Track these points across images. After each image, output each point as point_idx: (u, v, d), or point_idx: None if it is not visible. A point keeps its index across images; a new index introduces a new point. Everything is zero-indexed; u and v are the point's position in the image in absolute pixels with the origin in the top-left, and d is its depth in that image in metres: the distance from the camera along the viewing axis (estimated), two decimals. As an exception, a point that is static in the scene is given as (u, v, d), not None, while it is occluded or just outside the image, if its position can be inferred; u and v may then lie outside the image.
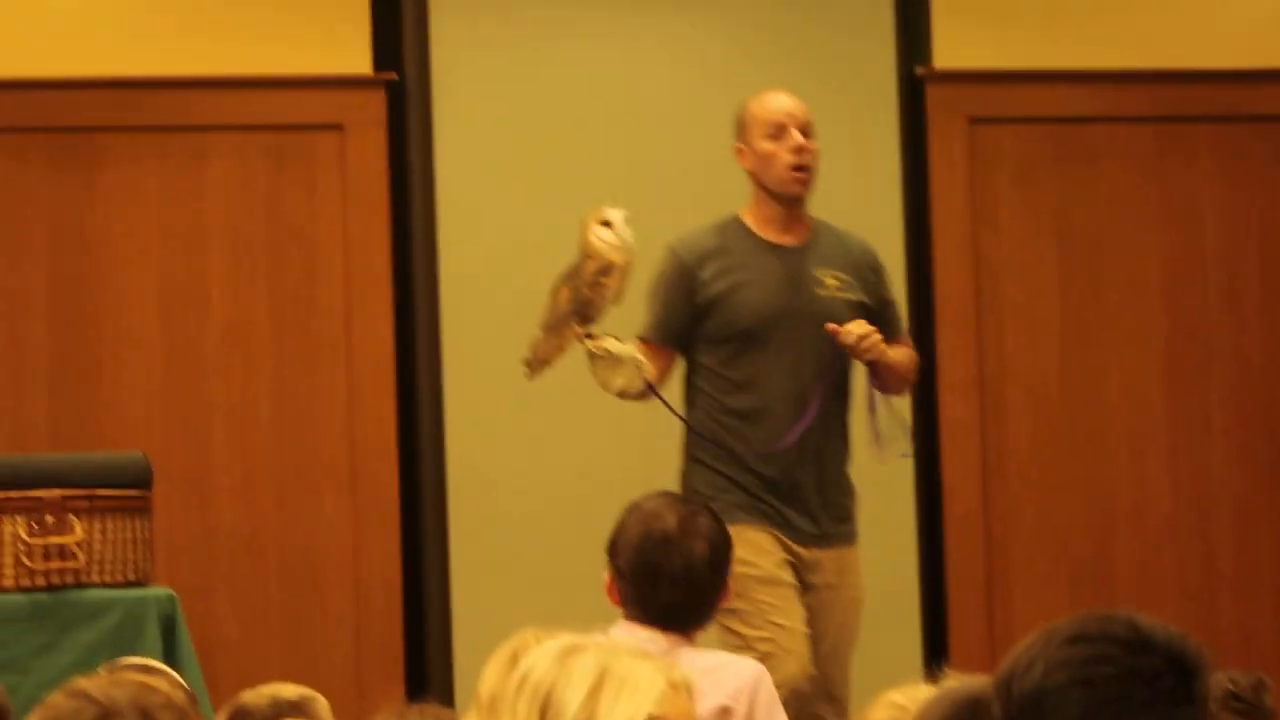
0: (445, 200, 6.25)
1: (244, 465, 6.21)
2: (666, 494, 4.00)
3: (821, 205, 5.66)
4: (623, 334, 4.78)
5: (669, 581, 3.83)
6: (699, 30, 6.40)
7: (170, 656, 4.82)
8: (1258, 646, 6.44)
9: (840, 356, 4.78)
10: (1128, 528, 6.45)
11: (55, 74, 6.19)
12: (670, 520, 3.87)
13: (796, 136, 4.84)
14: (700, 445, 4.89)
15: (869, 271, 4.96)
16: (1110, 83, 6.57)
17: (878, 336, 4.76)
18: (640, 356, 4.80)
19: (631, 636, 3.64)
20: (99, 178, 6.20)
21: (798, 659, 4.62)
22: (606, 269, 4.75)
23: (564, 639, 2.76)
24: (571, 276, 4.74)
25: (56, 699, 2.57)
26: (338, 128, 6.26)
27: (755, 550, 4.85)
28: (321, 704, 3.56)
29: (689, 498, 4.02)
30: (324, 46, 6.25)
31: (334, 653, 6.11)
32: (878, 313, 4.90)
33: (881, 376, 4.88)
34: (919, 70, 6.37)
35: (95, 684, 2.58)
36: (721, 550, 3.87)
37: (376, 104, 6.28)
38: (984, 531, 6.28)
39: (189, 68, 6.24)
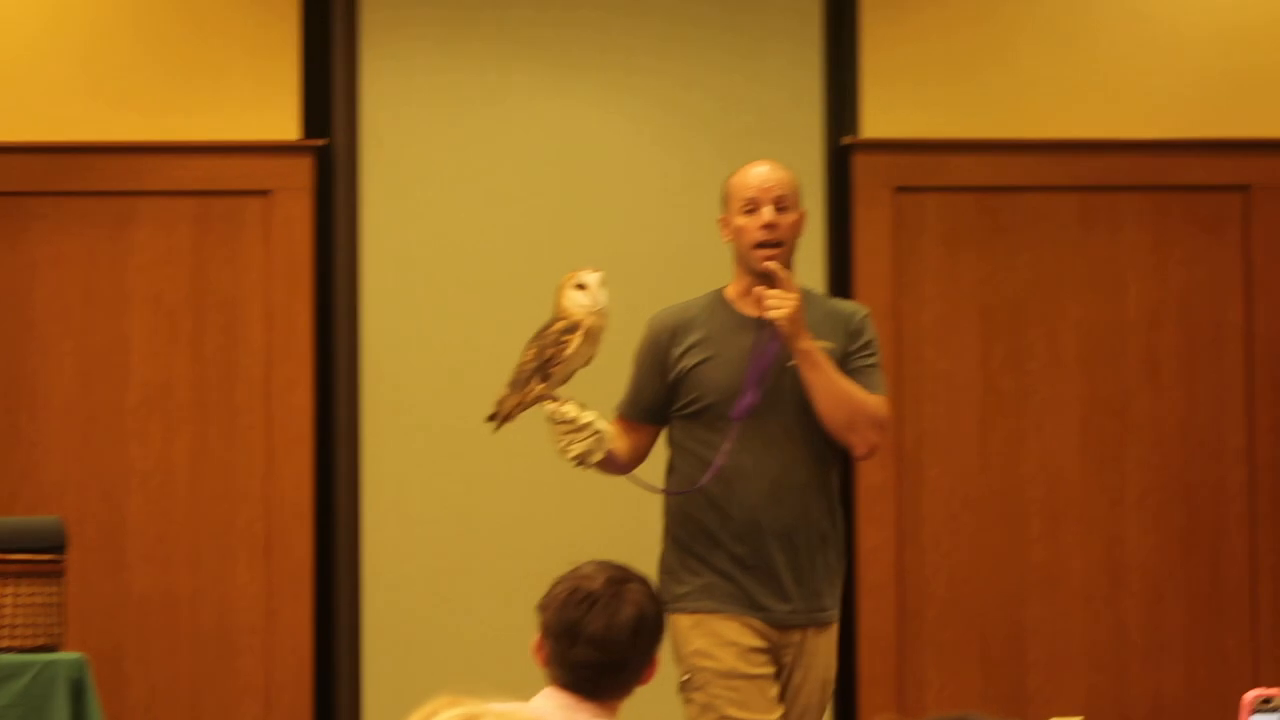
0: (369, 267, 6.30)
1: (160, 529, 6.23)
2: (607, 562, 3.98)
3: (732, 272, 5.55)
4: (592, 402, 4.75)
5: (586, 640, 3.80)
6: (630, 95, 6.48)
7: None
8: (1166, 713, 6.50)
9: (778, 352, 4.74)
10: (1040, 597, 6.49)
11: None
12: (599, 581, 3.86)
13: (765, 214, 4.83)
14: (676, 521, 4.86)
15: (847, 337, 4.91)
16: (1034, 152, 6.64)
17: (794, 305, 4.69)
18: (605, 427, 4.76)
19: (549, 703, 3.64)
20: (22, 242, 6.25)
21: None
22: (571, 328, 4.75)
23: (464, 709, 2.59)
24: (539, 335, 4.76)
25: None
26: (265, 193, 6.29)
27: (717, 642, 4.84)
28: None
29: (628, 569, 3.96)
30: (254, 112, 6.31)
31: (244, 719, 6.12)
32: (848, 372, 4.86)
33: (805, 376, 4.78)
34: (846, 139, 6.45)
35: None
36: (649, 622, 3.84)
37: (304, 169, 6.32)
38: (897, 599, 6.33)
39: (119, 134, 6.28)
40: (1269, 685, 3.88)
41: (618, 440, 4.85)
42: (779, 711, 4.81)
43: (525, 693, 3.70)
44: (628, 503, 5.91)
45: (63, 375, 6.22)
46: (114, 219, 6.24)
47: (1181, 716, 6.51)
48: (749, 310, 4.84)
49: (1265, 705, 3.50)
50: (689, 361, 4.87)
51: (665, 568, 4.86)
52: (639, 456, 4.91)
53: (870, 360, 4.90)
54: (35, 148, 6.22)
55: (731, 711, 4.80)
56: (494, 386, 6.16)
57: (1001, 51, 6.65)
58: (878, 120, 6.54)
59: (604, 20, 6.42)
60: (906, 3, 6.59)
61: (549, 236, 6.33)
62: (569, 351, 4.72)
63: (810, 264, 6.26)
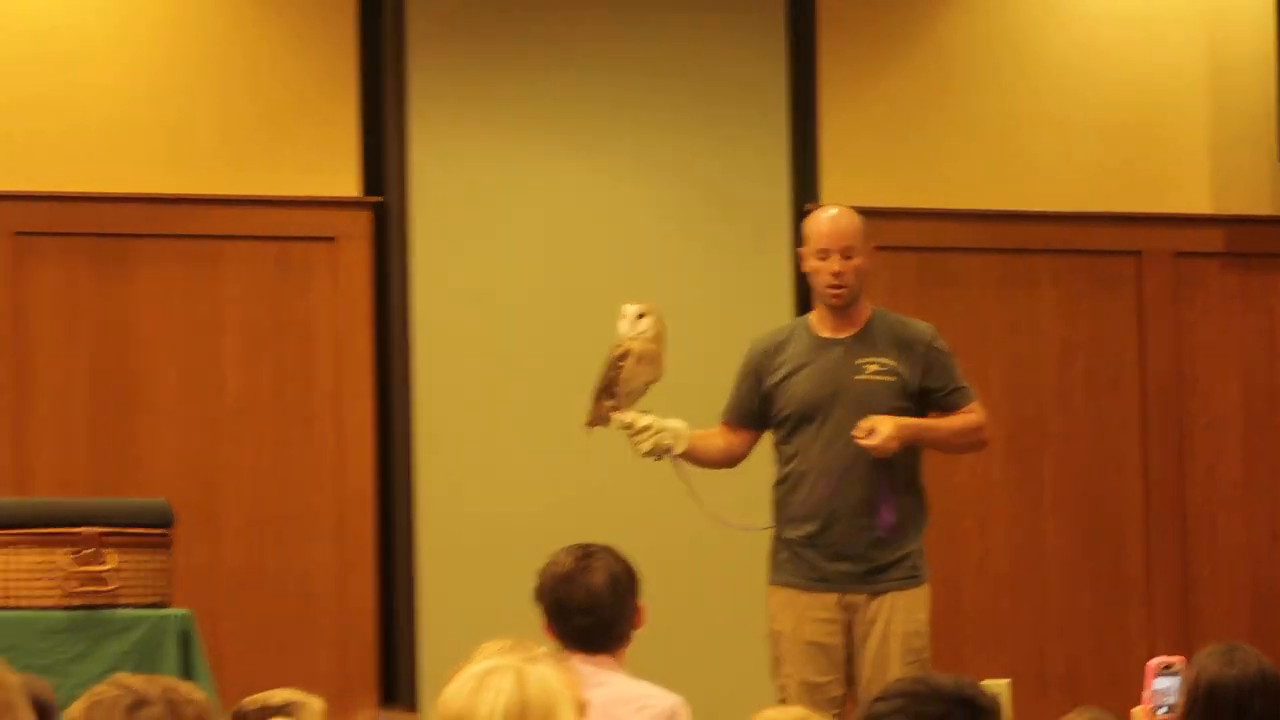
0: (419, 301, 6.73)
1: (249, 513, 6.66)
2: (574, 545, 4.15)
3: (720, 318, 5.98)
4: (658, 409, 5.04)
5: (575, 611, 3.97)
6: (635, 168, 6.84)
7: (186, 666, 5.08)
8: (1079, 678, 6.95)
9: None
10: (973, 584, 6.98)
11: (99, 189, 6.63)
12: (567, 562, 4.03)
13: (834, 263, 5.12)
14: (774, 511, 5.17)
15: (919, 355, 5.15)
16: (964, 220, 7.07)
17: (877, 443, 4.95)
18: (673, 426, 5.02)
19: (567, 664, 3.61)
20: (133, 276, 6.65)
21: (803, 705, 4.73)
22: (625, 354, 5.03)
23: (510, 640, 3.01)
24: (606, 359, 5.08)
25: (100, 688, 2.64)
26: (330, 239, 6.72)
27: (783, 608, 5.08)
28: (312, 707, 3.64)
29: (591, 545, 4.14)
30: (322, 173, 6.74)
31: (320, 668, 6.50)
32: (924, 390, 5.17)
33: (931, 445, 5.15)
34: (809, 206, 6.78)
35: (132, 679, 2.66)
36: (621, 580, 4.02)
37: (364, 221, 6.73)
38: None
39: (210, 188, 6.70)
40: (1165, 655, 3.89)
41: (706, 439, 5.13)
42: (839, 672, 5.03)
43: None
44: (647, 489, 6.24)
45: (168, 387, 6.64)
46: (207, 259, 6.69)
47: (1090, 680, 6.93)
48: (825, 332, 5.19)
49: (1167, 670, 3.69)
50: (777, 376, 5.16)
51: (772, 542, 5.20)
52: (734, 455, 5.21)
53: (956, 382, 5.18)
54: (143, 198, 6.66)
55: (788, 669, 5.03)
56: (523, 394, 6.48)
57: (937, 138, 7.11)
58: (835, 191, 6.88)
59: (611, 98, 6.84)
60: (858, 98, 7.02)
61: (569, 277, 6.79)
62: (624, 374, 5.00)
63: (782, 304, 6.72)
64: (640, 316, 5.05)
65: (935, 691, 2.37)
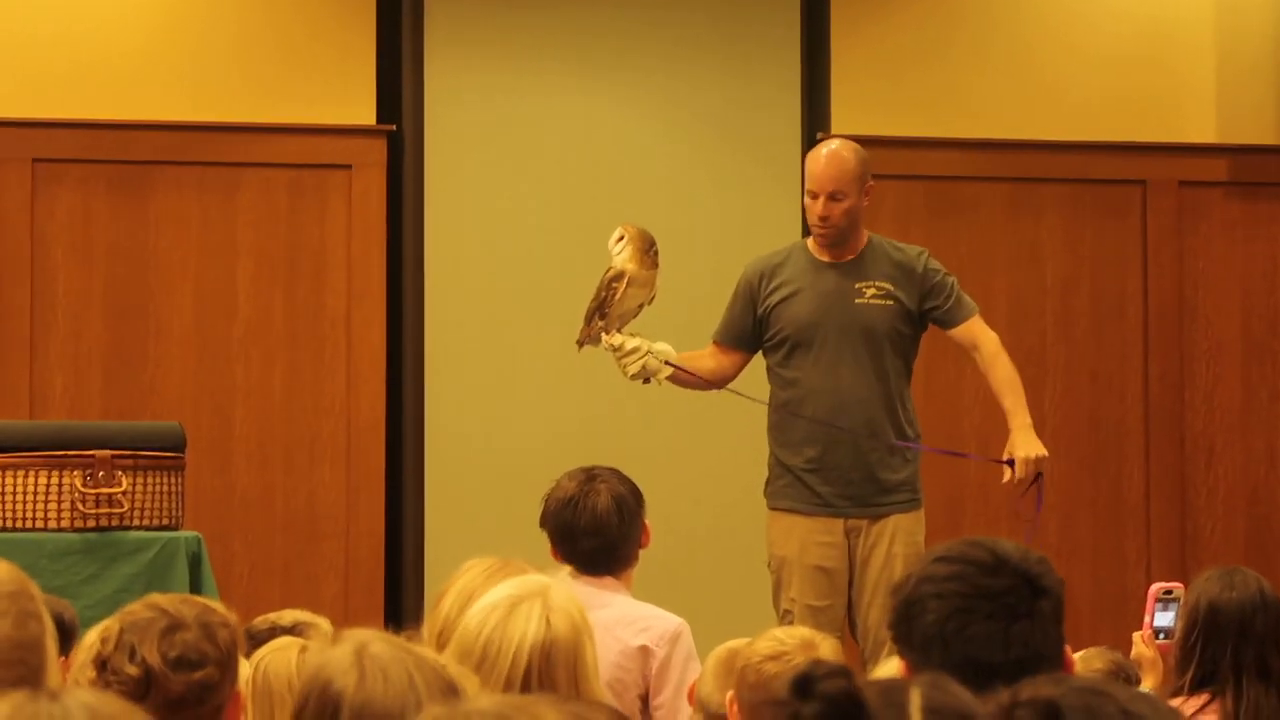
0: (432, 229, 6.82)
1: (259, 436, 6.74)
2: (576, 469, 4.16)
3: (733, 245, 5.89)
4: (647, 331, 5.04)
5: (581, 533, 3.97)
6: (646, 95, 6.87)
7: (196, 587, 5.08)
8: (1078, 603, 6.98)
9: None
10: (975, 503, 7.08)
11: (116, 117, 6.71)
12: (571, 487, 4.03)
13: (820, 205, 5.12)
14: (770, 435, 5.14)
15: (915, 277, 5.15)
16: (971, 149, 7.12)
17: (1032, 461, 5.10)
18: (660, 349, 5.00)
19: (577, 587, 3.72)
20: (150, 203, 6.75)
21: (806, 625, 4.77)
22: (619, 276, 4.99)
23: (498, 559, 3.05)
24: (600, 280, 5.05)
25: (134, 608, 2.64)
26: (346, 167, 6.79)
27: (784, 534, 5.07)
28: (320, 628, 3.73)
29: (594, 468, 4.15)
30: (338, 102, 6.80)
31: (326, 590, 6.61)
32: (924, 311, 5.19)
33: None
34: (819, 135, 6.87)
35: (167, 600, 2.65)
36: (627, 501, 4.02)
37: (378, 149, 6.80)
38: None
39: (227, 115, 6.80)
40: (1164, 581, 3.98)
41: (695, 360, 5.12)
42: (841, 597, 5.04)
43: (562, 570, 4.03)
44: (653, 414, 6.18)
45: (182, 311, 6.71)
46: (224, 185, 6.77)
47: (1089, 606, 6.96)
48: (823, 256, 5.19)
49: (1167, 596, 3.75)
50: (774, 299, 5.15)
51: (769, 466, 5.19)
52: (724, 376, 5.18)
53: (953, 296, 5.22)
54: (160, 125, 6.75)
55: (792, 593, 5.02)
56: (533, 322, 6.49)
57: (946, 68, 7.13)
58: (846, 119, 6.94)
59: (623, 29, 6.88)
60: (869, 29, 7.05)
61: (577, 204, 6.82)
62: (618, 296, 4.97)
63: (790, 231, 6.75)
64: (619, 239, 5.01)
65: (1001, 562, 2.25)
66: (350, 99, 6.69)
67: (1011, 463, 5.19)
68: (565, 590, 2.72)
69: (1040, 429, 6.63)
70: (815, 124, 6.90)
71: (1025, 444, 5.18)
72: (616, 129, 6.78)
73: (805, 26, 6.90)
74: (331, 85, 6.69)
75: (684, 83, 6.82)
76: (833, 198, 5.10)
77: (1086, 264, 7.06)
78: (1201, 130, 7.14)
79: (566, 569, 3.96)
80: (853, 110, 6.92)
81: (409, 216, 6.71)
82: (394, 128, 6.72)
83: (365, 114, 6.72)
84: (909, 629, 2.27)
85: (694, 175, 6.82)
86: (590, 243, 6.57)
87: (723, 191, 6.81)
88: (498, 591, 2.78)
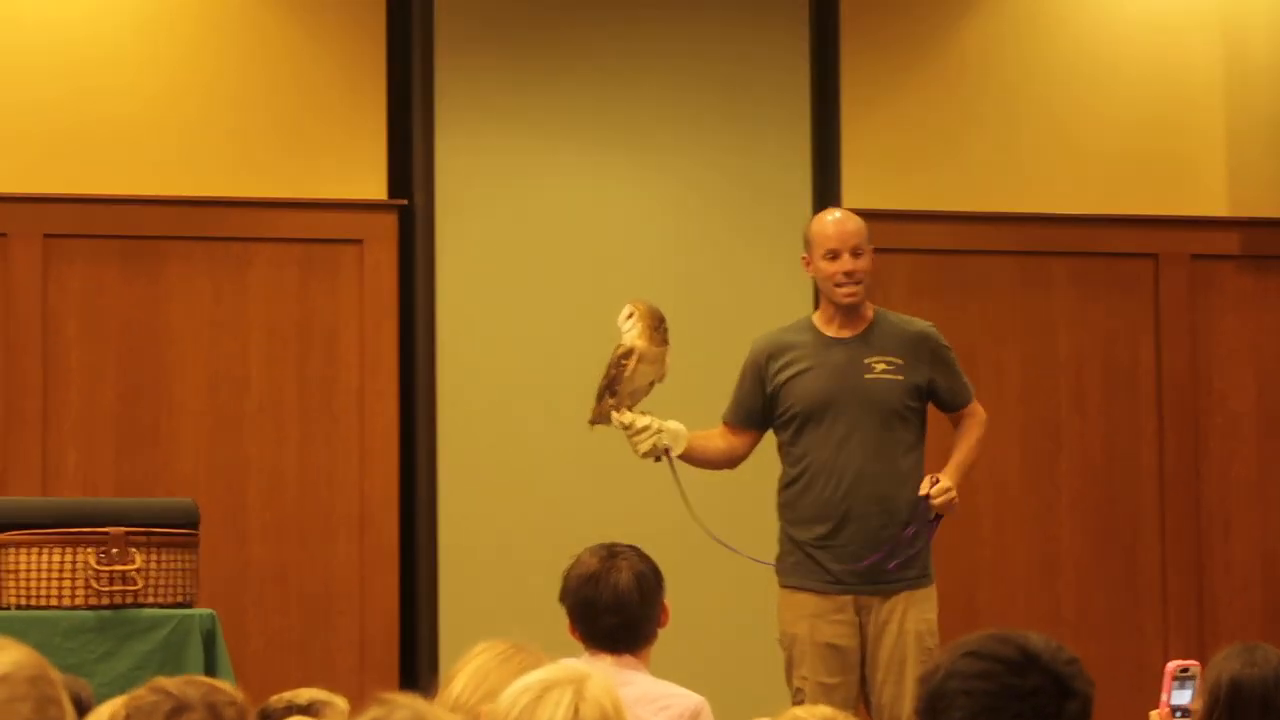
0: (443, 303, 6.79)
1: (273, 512, 6.71)
2: (598, 545, 4.14)
3: (745, 315, 5.90)
4: (683, 413, 5.03)
5: (603, 610, 3.96)
6: (654, 172, 6.88)
7: (210, 664, 5.07)
8: (1094, 679, 6.63)
9: (920, 504, 5.07)
10: (989, 581, 7.02)
11: (128, 192, 6.67)
12: (594, 563, 4.02)
13: (845, 261, 5.11)
14: (781, 512, 5.14)
15: (925, 353, 5.14)
16: (983, 223, 7.10)
17: (954, 495, 5.02)
18: (672, 428, 5.00)
19: (594, 665, 3.83)
20: (162, 278, 6.71)
21: (819, 703, 4.73)
22: (629, 353, 4.99)
23: (510, 643, 3.06)
24: (610, 358, 5.04)
25: (139, 693, 2.61)
26: (357, 242, 6.77)
27: (795, 612, 5.06)
28: (337, 706, 3.62)
29: (615, 544, 4.13)
30: (349, 177, 6.80)
31: (342, 666, 6.58)
32: (931, 387, 5.17)
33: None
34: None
35: (172, 683, 2.63)
36: (648, 579, 4.01)
37: (390, 224, 6.77)
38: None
39: (238, 190, 6.76)
40: (1177, 658, 3.92)
41: (706, 440, 5.11)
42: (854, 674, 5.01)
43: (576, 651, 4.03)
44: (665, 493, 6.17)
45: (195, 386, 6.69)
46: (236, 260, 6.76)
47: (1105, 682, 6.64)
48: (831, 331, 5.18)
49: (1184, 674, 3.71)
50: (783, 376, 5.12)
51: (780, 550, 5.19)
52: (735, 456, 5.18)
53: (959, 378, 5.20)
54: (172, 200, 6.72)
55: (804, 671, 5.01)
56: (545, 397, 6.45)
57: (957, 141, 7.14)
58: (857, 194, 6.93)
59: (633, 107, 6.89)
60: (879, 103, 7.04)
61: (586, 280, 6.81)
62: (628, 374, 4.95)
63: (803, 307, 6.64)
64: (629, 316, 5.00)
65: (1030, 660, 2.25)
66: (361, 174, 6.70)
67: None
68: (605, 681, 2.70)
69: (1054, 503, 6.95)
70: (826, 200, 6.88)
71: (949, 476, 5.10)
72: (626, 206, 6.79)
73: (815, 104, 6.90)
74: (343, 160, 6.70)
75: (693, 160, 6.84)
76: (855, 254, 5.11)
77: (1099, 337, 7.06)
78: (1213, 203, 7.13)
79: (585, 654, 3.97)
80: (863, 186, 6.91)
81: (420, 291, 6.70)
82: (405, 202, 6.72)
83: (376, 189, 6.73)
84: None
85: (706, 251, 6.80)
86: (600, 319, 6.53)
87: (734, 267, 6.78)
88: (535, 674, 2.77)
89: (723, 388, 6.02)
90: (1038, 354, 7.02)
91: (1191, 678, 3.68)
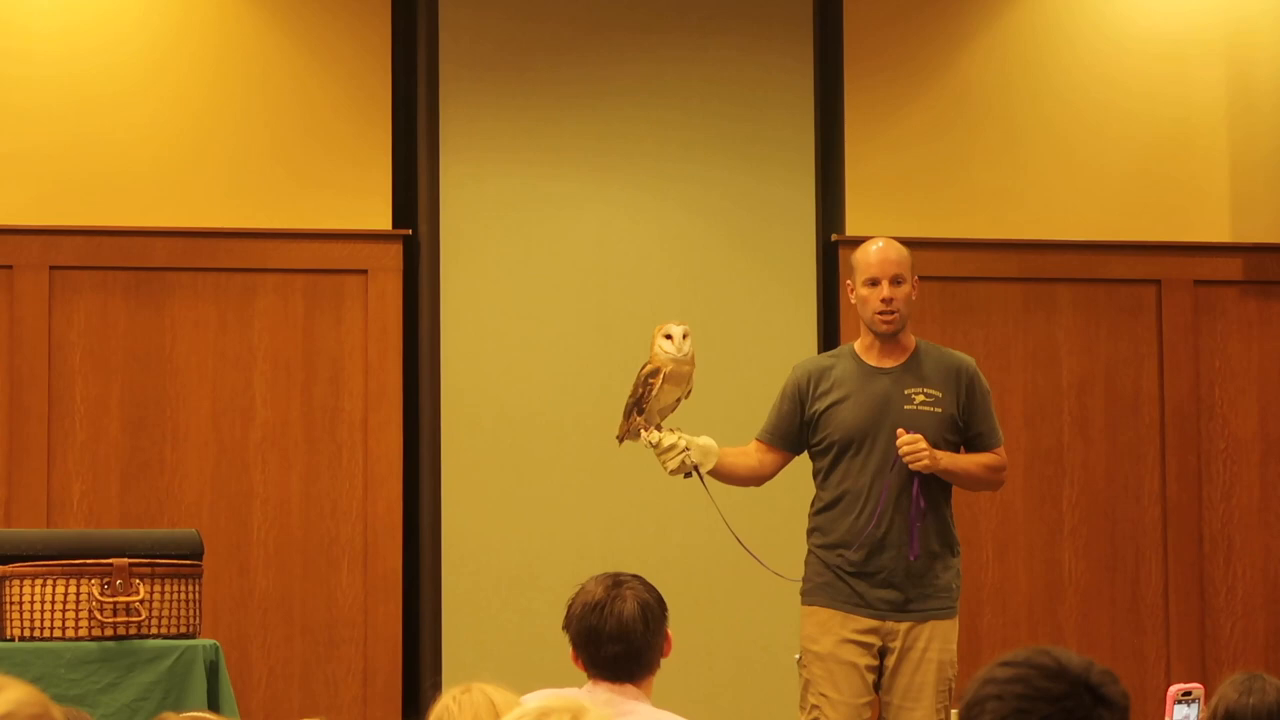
0: (448, 332, 6.76)
1: (277, 541, 6.67)
2: (603, 574, 4.08)
3: (750, 344, 5.83)
4: (684, 426, 5.00)
5: (606, 639, 3.91)
6: (659, 200, 6.84)
7: (213, 694, 5.07)
8: None
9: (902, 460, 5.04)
10: (993, 608, 6.95)
11: (133, 224, 6.66)
12: (599, 591, 3.96)
13: (884, 289, 5.09)
14: (811, 536, 5.11)
15: (963, 386, 5.11)
16: (986, 250, 7.05)
17: (923, 449, 4.96)
18: (702, 444, 4.97)
19: (596, 695, 3.77)
20: (166, 309, 6.69)
21: None
22: (655, 372, 4.97)
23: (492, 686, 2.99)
24: (636, 377, 5.00)
25: None
26: (362, 272, 6.73)
27: (820, 629, 5.02)
28: None
29: (620, 574, 4.06)
30: (354, 207, 6.76)
31: (345, 694, 6.55)
32: (965, 423, 5.14)
33: (954, 479, 5.12)
34: (834, 237, 6.91)
35: (179, 719, 2.72)
36: (652, 609, 3.97)
37: (394, 254, 6.75)
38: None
39: (243, 221, 6.74)
40: (1179, 683, 3.90)
41: (737, 457, 5.09)
42: (870, 696, 4.99)
43: (578, 679, 3.98)
44: (673, 522, 6.11)
45: (199, 416, 6.66)
46: (241, 291, 6.73)
47: None
48: (872, 360, 5.15)
49: (1186, 697, 3.69)
50: (822, 404, 5.11)
51: (806, 572, 5.15)
52: (763, 475, 5.17)
53: (991, 422, 5.17)
54: (177, 232, 6.70)
55: (824, 689, 4.97)
56: (549, 425, 6.41)
57: (960, 169, 7.05)
58: (860, 221, 6.89)
59: (637, 134, 6.86)
60: (883, 131, 6.98)
61: (597, 309, 6.77)
62: (655, 392, 4.95)
63: (806, 335, 6.73)
64: (685, 336, 4.99)
65: (1063, 669, 2.23)
66: (366, 204, 6.67)
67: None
68: (601, 715, 2.61)
69: (1058, 528, 6.88)
70: (829, 226, 6.87)
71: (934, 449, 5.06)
72: (629, 235, 6.75)
73: (819, 131, 6.86)
74: (348, 191, 6.67)
75: (697, 188, 6.80)
76: (895, 282, 5.09)
77: (1102, 363, 6.98)
78: (1216, 229, 7.07)
79: (587, 684, 3.92)
80: (866, 213, 6.86)
81: (425, 320, 6.66)
82: (410, 232, 6.70)
83: (381, 219, 6.70)
84: None
85: (709, 278, 6.75)
86: (607, 345, 6.54)
87: (737, 293, 6.73)
88: (532, 699, 2.72)
89: (728, 413, 6.01)
90: (1041, 379, 6.97)
91: (1194, 700, 3.67)
